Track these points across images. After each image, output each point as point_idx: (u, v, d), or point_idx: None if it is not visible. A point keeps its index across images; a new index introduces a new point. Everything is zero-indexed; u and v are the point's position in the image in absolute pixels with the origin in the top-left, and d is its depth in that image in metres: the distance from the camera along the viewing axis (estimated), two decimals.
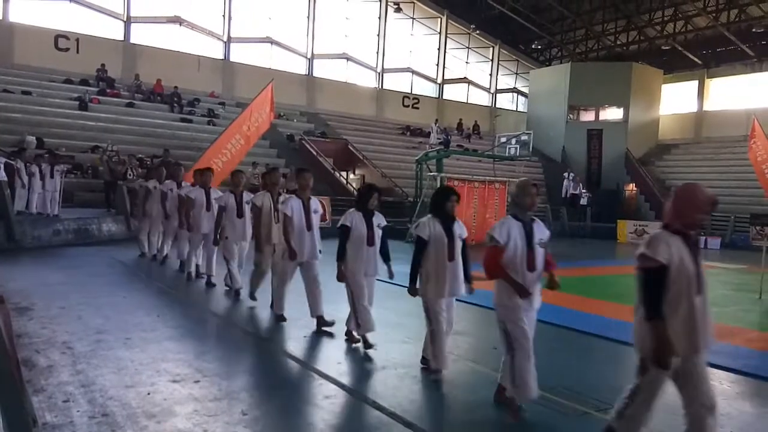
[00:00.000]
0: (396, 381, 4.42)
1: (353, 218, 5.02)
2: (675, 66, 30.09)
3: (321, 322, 5.72)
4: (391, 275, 5.01)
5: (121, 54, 22.83)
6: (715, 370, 5.05)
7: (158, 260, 9.76)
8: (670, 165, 28.24)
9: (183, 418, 3.46)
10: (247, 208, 7.14)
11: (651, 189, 26.00)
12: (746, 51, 27.11)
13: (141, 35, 23.35)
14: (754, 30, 25.65)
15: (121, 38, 23.00)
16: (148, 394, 3.80)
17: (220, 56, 25.23)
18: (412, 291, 4.43)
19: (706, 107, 29.62)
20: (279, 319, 6.02)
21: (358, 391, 4.17)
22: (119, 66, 22.46)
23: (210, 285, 7.78)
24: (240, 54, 25.61)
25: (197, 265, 8.32)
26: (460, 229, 4.51)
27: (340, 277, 5.02)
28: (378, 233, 5.06)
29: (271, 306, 6.23)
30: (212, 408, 3.64)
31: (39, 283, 7.50)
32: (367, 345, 5.04)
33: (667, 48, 29.09)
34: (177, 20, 24.11)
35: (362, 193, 5.27)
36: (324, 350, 5.26)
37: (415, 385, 4.33)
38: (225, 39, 25.27)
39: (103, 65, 21.56)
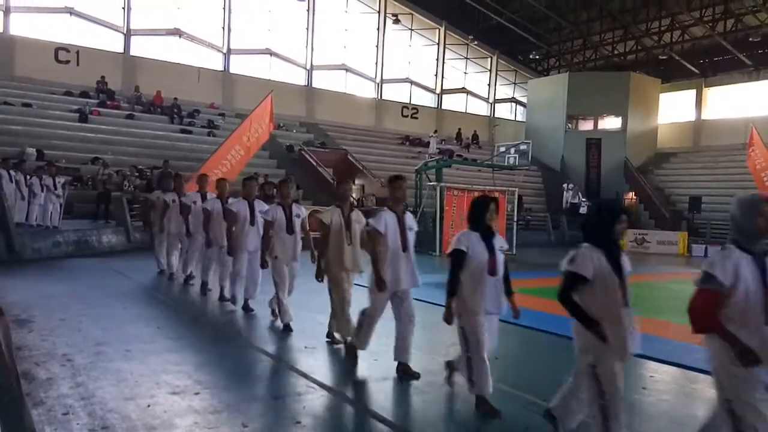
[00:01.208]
0: (398, 392, 4.40)
1: (470, 241, 3.85)
2: (673, 75, 30.24)
3: (406, 370, 4.60)
4: (516, 315, 3.95)
5: (121, 66, 22.93)
6: (695, 373, 5.02)
7: (176, 279, 9.09)
8: (668, 173, 28.29)
9: (183, 431, 3.43)
10: (297, 223, 6.19)
11: (650, 198, 26.03)
12: (743, 60, 27.25)
13: (141, 47, 23.46)
14: (751, 39, 25.79)
15: (121, 50, 23.11)
16: (148, 406, 3.78)
17: (220, 68, 25.34)
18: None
19: (705, 116, 29.72)
20: (351, 353, 5.08)
21: (360, 403, 4.14)
22: (119, 78, 22.55)
23: (248, 310, 6.89)
24: (239, 65, 25.73)
25: (221, 288, 7.52)
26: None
27: (449, 318, 3.87)
28: (501, 259, 3.89)
29: (329, 336, 5.62)
30: (212, 420, 3.61)
31: (39, 295, 7.48)
32: (493, 413, 3.82)
33: (664, 57, 29.25)
34: (177, 32, 24.23)
35: (478, 206, 3.96)
36: (327, 362, 5.23)
37: (418, 397, 4.30)
38: (225, 51, 25.40)
39: (103, 77, 21.64)
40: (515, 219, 18.19)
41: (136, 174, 16.83)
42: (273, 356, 5.30)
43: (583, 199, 24.70)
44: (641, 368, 5.47)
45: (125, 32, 23.15)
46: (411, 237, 4.69)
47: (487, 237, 3.87)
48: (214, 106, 24.10)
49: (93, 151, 17.59)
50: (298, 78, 27.40)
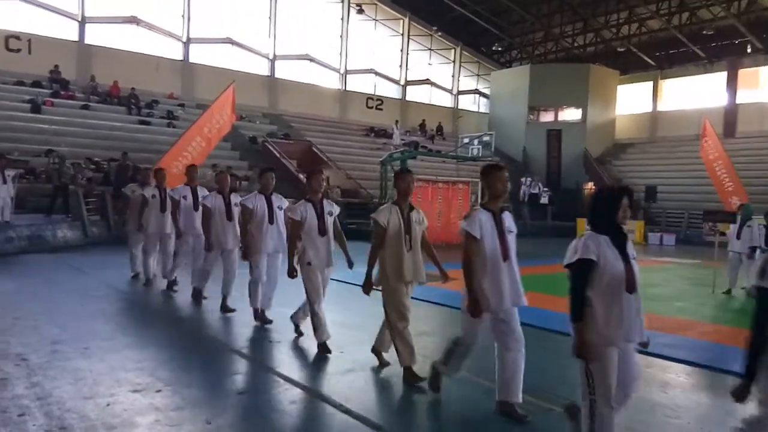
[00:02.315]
0: (363, 383, 4.42)
1: (600, 247, 2.88)
2: (630, 67, 30.97)
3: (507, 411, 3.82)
4: (646, 344, 3.11)
5: (76, 55, 22.17)
6: (671, 363, 5.22)
7: (154, 285, 8.16)
8: (626, 164, 29.05)
9: (144, 429, 3.37)
10: (329, 221, 5.22)
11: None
12: (698, 53, 28.10)
13: (96, 36, 22.72)
14: (704, 32, 26.60)
15: (76, 39, 22.33)
16: (108, 405, 3.69)
17: (180, 57, 24.76)
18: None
19: (660, 107, 30.60)
20: (434, 386, 4.13)
21: (325, 395, 4.14)
22: (74, 67, 21.81)
23: (265, 321, 6.00)
24: (200, 55, 25.18)
25: (224, 297, 6.66)
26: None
27: (586, 354, 2.91)
28: (635, 268, 2.95)
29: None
30: (175, 418, 3.56)
31: None
32: None
33: (622, 50, 29.92)
34: (134, 20, 23.55)
35: (604, 201, 3.03)
36: (290, 355, 5.20)
37: (383, 387, 4.33)
38: (184, 40, 24.82)
39: (56, 66, 20.89)
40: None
41: (92, 166, 16.34)
42: (237, 351, 5.24)
43: (545, 189, 25.14)
44: None
45: (80, 20, 22.37)
46: (512, 242, 3.78)
47: (619, 241, 2.95)
48: (174, 97, 23.56)
49: (46, 142, 17.00)
50: (261, 68, 27.00)
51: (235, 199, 6.70)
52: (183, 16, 24.68)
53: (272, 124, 25.01)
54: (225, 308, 6.53)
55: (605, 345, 2.88)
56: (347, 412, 3.80)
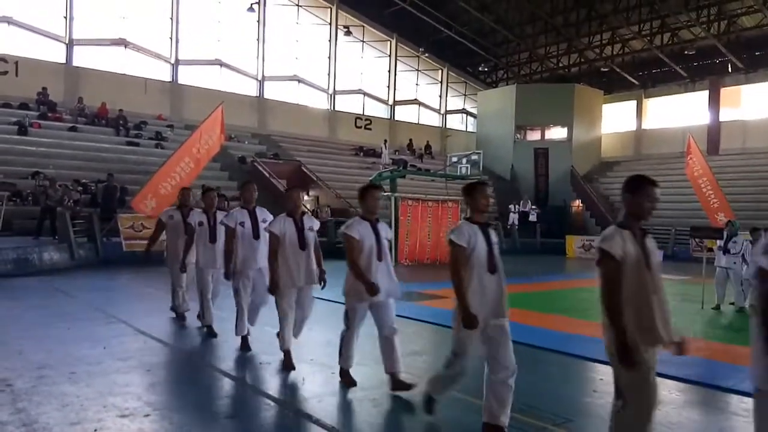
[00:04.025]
0: (355, 405, 4.37)
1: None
2: (614, 87, 31.47)
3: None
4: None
5: (63, 77, 22.14)
6: (664, 380, 5.22)
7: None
8: (612, 181, 29.30)
9: None
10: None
11: (596, 205, 26.92)
12: (680, 72, 28.63)
13: (84, 58, 22.72)
14: (686, 52, 27.13)
15: (63, 61, 22.32)
16: (95, 430, 3.62)
17: (168, 78, 24.80)
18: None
19: (645, 126, 31.06)
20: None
21: (316, 417, 4.09)
22: (61, 89, 21.76)
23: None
24: (188, 76, 25.26)
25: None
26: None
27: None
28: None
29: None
30: None
31: None
32: None
33: (606, 70, 30.41)
34: (122, 43, 23.61)
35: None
36: (279, 376, 5.14)
37: (374, 409, 4.29)
38: (172, 61, 24.89)
39: (44, 89, 20.84)
40: None
41: (80, 188, 16.23)
42: (227, 374, 5.18)
43: (533, 207, 25.31)
44: (591, 371, 5.63)
45: (67, 42, 22.38)
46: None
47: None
48: (162, 118, 23.55)
49: (33, 164, 16.88)
50: (250, 89, 27.12)
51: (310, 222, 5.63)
52: (171, 38, 24.79)
53: (261, 144, 25.04)
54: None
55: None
56: None
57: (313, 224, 5.24)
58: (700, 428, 4.22)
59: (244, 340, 5.88)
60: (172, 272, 7.18)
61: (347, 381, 4.69)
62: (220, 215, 6.46)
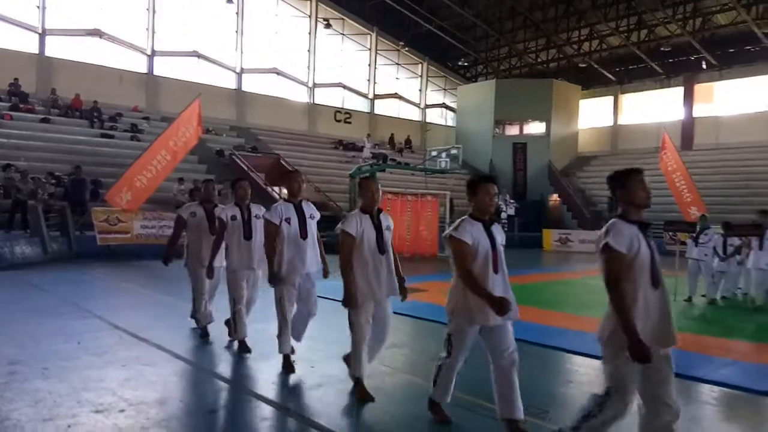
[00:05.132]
0: (334, 398, 4.37)
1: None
2: (592, 82, 31.82)
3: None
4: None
5: (36, 68, 21.65)
6: None
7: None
8: (589, 176, 29.70)
9: None
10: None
11: (573, 199, 27.25)
12: (655, 68, 29.06)
13: (58, 48, 22.23)
14: (662, 49, 27.52)
15: (36, 51, 21.81)
16: (69, 426, 3.57)
17: (144, 70, 24.41)
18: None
19: (621, 121, 31.49)
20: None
21: (296, 411, 4.08)
22: (33, 80, 21.28)
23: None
24: (165, 68, 24.87)
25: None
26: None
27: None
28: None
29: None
30: None
31: None
32: None
33: (584, 65, 30.71)
34: (97, 33, 23.14)
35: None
36: (258, 371, 5.12)
37: (353, 401, 4.29)
38: (149, 52, 24.49)
39: (16, 79, 20.33)
40: (447, 221, 18.53)
41: (53, 181, 15.91)
42: (205, 368, 5.14)
43: (511, 201, 25.49)
44: (567, 362, 5.72)
45: (40, 32, 21.87)
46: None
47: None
48: (138, 110, 23.18)
49: (4, 157, 16.46)
50: (228, 81, 26.82)
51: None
52: (147, 29, 24.38)
53: (239, 137, 24.81)
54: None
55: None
56: (319, 428, 3.76)
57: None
58: None
59: (287, 360, 4.96)
60: (194, 277, 6.16)
61: (440, 416, 3.82)
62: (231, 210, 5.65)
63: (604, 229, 2.95)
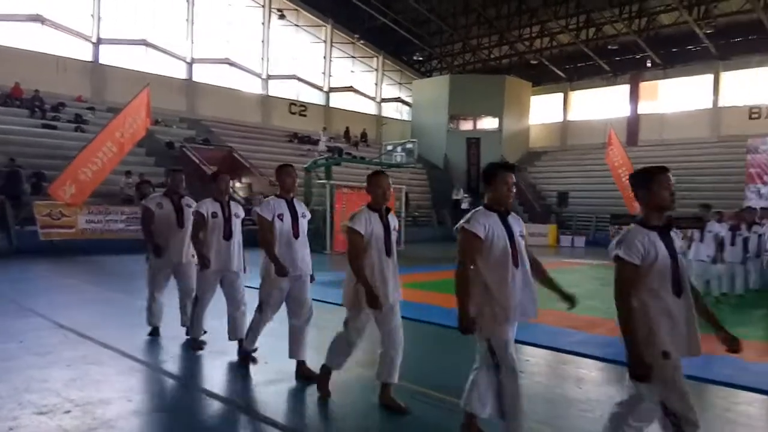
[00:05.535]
0: (288, 394, 4.35)
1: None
2: (542, 79, 32.52)
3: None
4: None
5: None
6: (584, 359, 5.51)
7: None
8: (540, 171, 30.43)
9: None
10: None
11: (524, 194, 27.85)
12: (603, 66, 29.94)
13: None
14: (609, 47, 28.37)
15: None
16: (10, 429, 3.43)
17: (89, 58, 23.45)
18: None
19: (570, 117, 32.38)
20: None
21: (250, 408, 4.04)
22: None
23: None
24: (111, 56, 23.96)
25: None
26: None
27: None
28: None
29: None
30: None
31: None
32: None
33: (535, 62, 31.34)
34: (38, 19, 22.09)
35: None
36: (209, 368, 5.04)
37: (310, 397, 4.28)
38: (94, 40, 23.54)
39: None
40: (403, 215, 18.67)
41: None
42: (155, 366, 5.01)
43: (465, 195, 25.87)
44: (518, 353, 5.85)
45: None
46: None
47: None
48: (82, 100, 22.27)
49: None
50: (178, 71, 26.08)
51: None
52: (93, 15, 23.43)
53: (190, 128, 24.19)
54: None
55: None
56: (273, 424, 3.73)
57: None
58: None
59: (247, 357, 4.96)
60: (152, 275, 5.86)
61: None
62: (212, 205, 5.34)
63: (617, 238, 2.79)
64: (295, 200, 4.68)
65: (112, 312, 7.30)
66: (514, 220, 3.33)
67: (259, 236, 4.48)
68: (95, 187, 14.26)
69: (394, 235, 3.98)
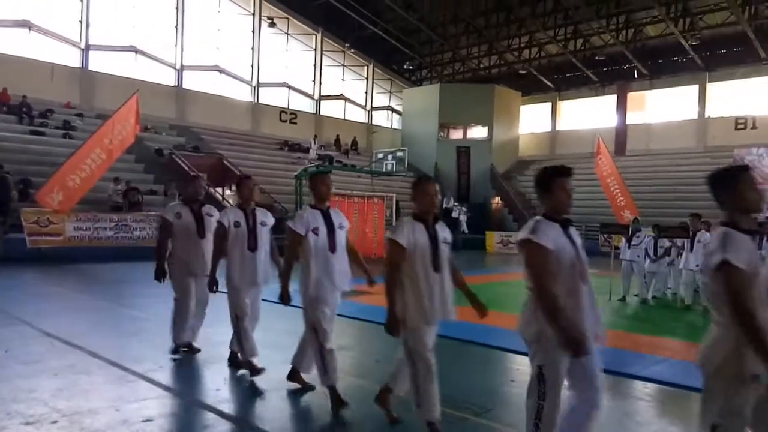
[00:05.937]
0: (279, 403, 4.32)
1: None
2: (531, 89, 32.81)
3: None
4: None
5: None
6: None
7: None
8: (529, 179, 30.51)
9: None
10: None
11: (514, 202, 28.03)
12: (591, 76, 30.27)
13: None
14: (597, 58, 28.69)
15: None
16: None
17: (77, 64, 23.33)
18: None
19: (559, 127, 32.67)
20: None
21: (239, 417, 4.01)
22: None
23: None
24: (100, 63, 23.86)
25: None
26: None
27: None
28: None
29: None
30: None
31: None
32: None
33: (524, 72, 31.60)
34: (26, 24, 21.97)
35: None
36: (199, 377, 5.00)
37: (299, 406, 4.26)
38: (82, 46, 23.44)
39: None
40: (394, 223, 18.65)
41: None
42: (143, 375, 4.95)
43: (456, 203, 25.94)
44: (509, 362, 5.86)
45: None
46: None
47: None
48: (71, 106, 22.13)
49: None
50: (168, 78, 26.00)
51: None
52: (81, 21, 23.33)
53: (180, 135, 24.10)
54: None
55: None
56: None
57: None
58: (605, 413, 4.48)
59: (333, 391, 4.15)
60: (181, 288, 5.40)
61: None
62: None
63: (717, 241, 2.45)
64: (331, 210, 4.28)
65: (100, 320, 7.23)
66: (573, 231, 2.97)
67: (285, 249, 4.22)
68: (83, 194, 14.16)
69: (444, 248, 3.53)
